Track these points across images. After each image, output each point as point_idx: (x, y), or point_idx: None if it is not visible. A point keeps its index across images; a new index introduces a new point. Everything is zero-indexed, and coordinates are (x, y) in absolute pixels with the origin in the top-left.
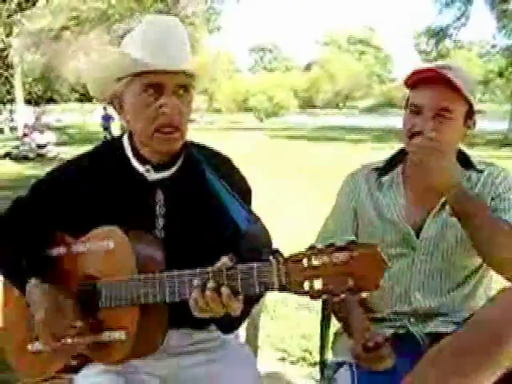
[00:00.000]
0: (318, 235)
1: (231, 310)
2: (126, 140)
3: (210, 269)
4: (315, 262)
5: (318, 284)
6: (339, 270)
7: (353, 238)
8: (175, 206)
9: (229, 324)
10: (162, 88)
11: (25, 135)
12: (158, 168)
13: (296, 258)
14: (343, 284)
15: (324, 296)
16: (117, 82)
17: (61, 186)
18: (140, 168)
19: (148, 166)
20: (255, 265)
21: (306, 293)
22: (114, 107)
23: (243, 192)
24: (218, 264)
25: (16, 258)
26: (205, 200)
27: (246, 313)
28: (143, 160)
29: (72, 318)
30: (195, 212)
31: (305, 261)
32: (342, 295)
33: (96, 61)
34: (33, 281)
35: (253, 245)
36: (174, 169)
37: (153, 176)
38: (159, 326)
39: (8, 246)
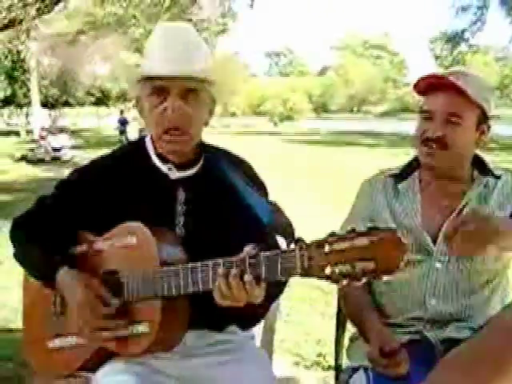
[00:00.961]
0: None
1: (253, 297)
2: (148, 141)
3: (233, 258)
4: (337, 247)
5: (339, 268)
6: (360, 255)
7: None
8: (196, 205)
9: (248, 319)
10: (167, 92)
11: (41, 138)
12: (180, 167)
13: (318, 244)
14: (365, 268)
15: (345, 281)
16: (137, 85)
17: (84, 185)
18: (162, 167)
19: (170, 165)
20: (278, 252)
21: (327, 277)
22: (138, 109)
23: (261, 188)
24: (242, 254)
25: (42, 255)
26: (226, 198)
27: (265, 308)
28: (165, 160)
29: (106, 297)
30: (216, 210)
31: (327, 246)
32: (364, 279)
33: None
34: (62, 270)
35: (275, 238)
36: (196, 168)
37: (175, 175)
38: (181, 321)
39: (33, 244)
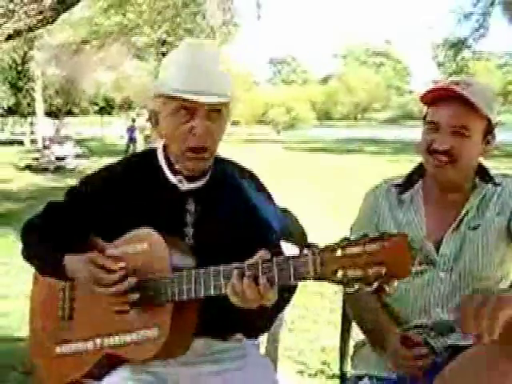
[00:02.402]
0: None
1: (266, 300)
2: (160, 152)
3: (245, 263)
4: (349, 252)
5: (351, 272)
6: (372, 259)
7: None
8: (205, 216)
9: (255, 328)
10: (194, 111)
11: (45, 147)
12: (189, 178)
13: (331, 248)
14: (376, 272)
15: (357, 285)
16: (156, 98)
17: (94, 192)
18: (173, 178)
19: (180, 177)
20: (291, 256)
21: (339, 281)
22: (151, 121)
23: (270, 198)
24: (255, 257)
25: (51, 251)
26: (236, 209)
27: (271, 317)
28: (176, 171)
29: (110, 263)
30: (225, 221)
31: (339, 250)
32: (375, 284)
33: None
34: (65, 257)
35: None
36: (205, 179)
37: (185, 186)
38: (190, 328)
39: (43, 244)
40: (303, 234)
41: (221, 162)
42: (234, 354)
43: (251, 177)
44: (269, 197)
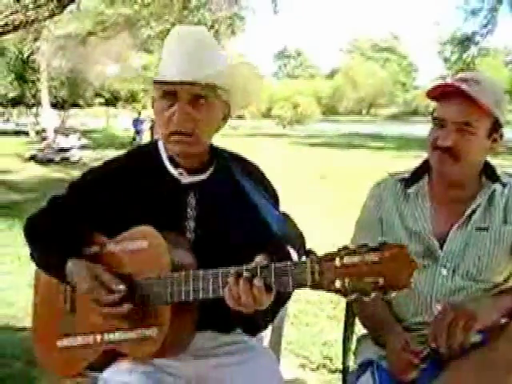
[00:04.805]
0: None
1: (260, 303)
2: (161, 144)
3: (244, 267)
4: (348, 261)
5: (349, 282)
6: (371, 270)
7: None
8: (206, 209)
9: (254, 325)
10: (176, 96)
11: (45, 138)
12: (191, 172)
13: (329, 257)
14: (374, 283)
15: (354, 295)
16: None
17: (96, 186)
18: (174, 171)
19: (181, 170)
20: (289, 263)
21: (337, 291)
22: (154, 110)
23: (272, 195)
24: (253, 263)
25: (54, 251)
26: (236, 203)
27: (272, 315)
28: (176, 164)
29: (112, 284)
30: (226, 216)
31: (337, 260)
32: (373, 294)
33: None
34: (71, 262)
35: (286, 247)
36: (207, 173)
37: (186, 179)
38: (189, 326)
39: (46, 241)
40: (301, 239)
41: (223, 157)
42: (237, 347)
43: (255, 174)
44: (271, 196)
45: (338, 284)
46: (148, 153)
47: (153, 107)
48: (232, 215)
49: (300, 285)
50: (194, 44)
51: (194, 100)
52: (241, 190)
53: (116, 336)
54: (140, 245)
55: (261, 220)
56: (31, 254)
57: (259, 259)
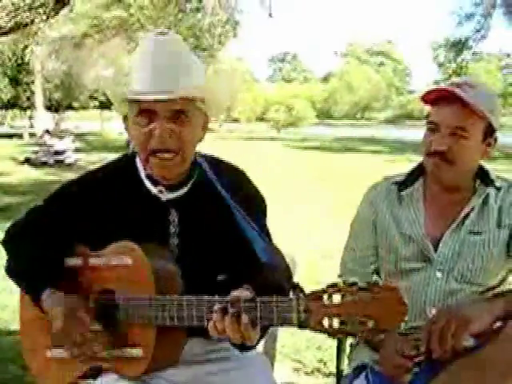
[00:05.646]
0: (343, 254)
1: (248, 339)
2: (138, 161)
3: (228, 298)
4: (336, 300)
5: (337, 323)
6: (360, 311)
7: (374, 267)
8: (189, 225)
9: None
10: (154, 114)
11: (39, 139)
12: (170, 188)
13: (317, 295)
14: (363, 325)
15: (341, 335)
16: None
17: (75, 199)
18: (153, 189)
19: (161, 187)
20: (274, 299)
21: (324, 331)
22: (125, 127)
23: (257, 204)
24: (237, 294)
25: (30, 267)
26: (218, 218)
27: (261, 336)
28: (156, 182)
29: (89, 323)
30: (209, 230)
31: (325, 298)
32: (360, 335)
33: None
34: (47, 290)
35: (273, 277)
36: (187, 187)
37: (166, 196)
38: (177, 342)
39: (22, 254)
40: (288, 272)
41: (202, 169)
42: (230, 352)
43: (239, 185)
44: (257, 208)
45: (325, 323)
46: (127, 169)
47: (124, 122)
48: (214, 229)
49: (285, 323)
50: (170, 57)
51: (174, 115)
52: (222, 203)
53: (104, 354)
54: (124, 261)
55: (243, 234)
56: (8, 274)
57: (244, 293)
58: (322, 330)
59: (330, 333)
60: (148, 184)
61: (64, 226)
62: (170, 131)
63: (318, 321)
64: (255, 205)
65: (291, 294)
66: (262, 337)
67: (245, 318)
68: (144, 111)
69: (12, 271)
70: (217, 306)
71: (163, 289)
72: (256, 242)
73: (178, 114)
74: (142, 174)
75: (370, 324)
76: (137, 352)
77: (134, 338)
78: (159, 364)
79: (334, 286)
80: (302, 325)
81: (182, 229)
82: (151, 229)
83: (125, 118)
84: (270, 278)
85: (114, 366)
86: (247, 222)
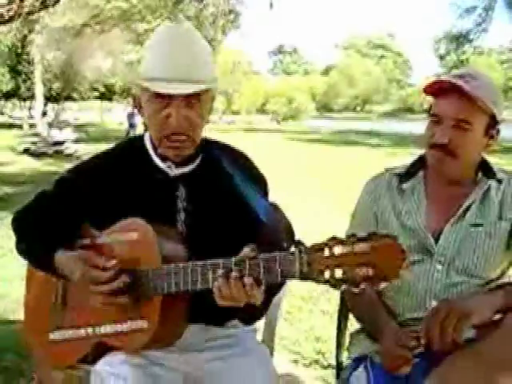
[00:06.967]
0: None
1: (253, 299)
2: (147, 139)
3: (232, 259)
4: (337, 252)
5: (338, 273)
6: (360, 260)
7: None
8: (196, 201)
9: (250, 315)
10: (170, 98)
11: (35, 135)
12: (179, 164)
13: (318, 247)
14: (364, 274)
15: (344, 286)
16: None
17: (84, 181)
18: (161, 164)
19: (169, 163)
20: (277, 254)
21: (326, 281)
22: (136, 107)
23: (261, 183)
24: (241, 254)
25: (41, 246)
26: (225, 193)
27: (266, 303)
28: (164, 157)
29: (103, 262)
30: (216, 206)
31: (326, 250)
32: (362, 285)
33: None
34: (58, 254)
35: (274, 235)
36: (194, 164)
37: (174, 171)
38: (180, 318)
39: (33, 237)
40: (290, 230)
41: (211, 148)
42: (230, 340)
43: (243, 161)
44: (259, 183)
45: (326, 275)
46: (134, 147)
47: (135, 106)
48: (221, 205)
49: (288, 276)
50: (188, 48)
51: (188, 100)
52: (228, 181)
53: (107, 329)
54: (130, 236)
55: (249, 208)
56: (17, 247)
57: (246, 251)
58: (324, 281)
59: (332, 283)
60: (157, 160)
61: (72, 208)
62: (185, 116)
63: (319, 272)
64: (260, 183)
65: (293, 248)
66: (266, 307)
67: (248, 280)
68: (159, 95)
69: (22, 245)
70: (219, 272)
71: (168, 260)
72: (258, 203)
73: (191, 99)
74: (151, 151)
75: (371, 272)
76: (142, 324)
77: (139, 311)
78: (161, 338)
79: (334, 238)
80: (304, 276)
81: (189, 204)
82: (159, 204)
83: (135, 99)
84: (272, 236)
85: (117, 340)
86: (249, 186)
